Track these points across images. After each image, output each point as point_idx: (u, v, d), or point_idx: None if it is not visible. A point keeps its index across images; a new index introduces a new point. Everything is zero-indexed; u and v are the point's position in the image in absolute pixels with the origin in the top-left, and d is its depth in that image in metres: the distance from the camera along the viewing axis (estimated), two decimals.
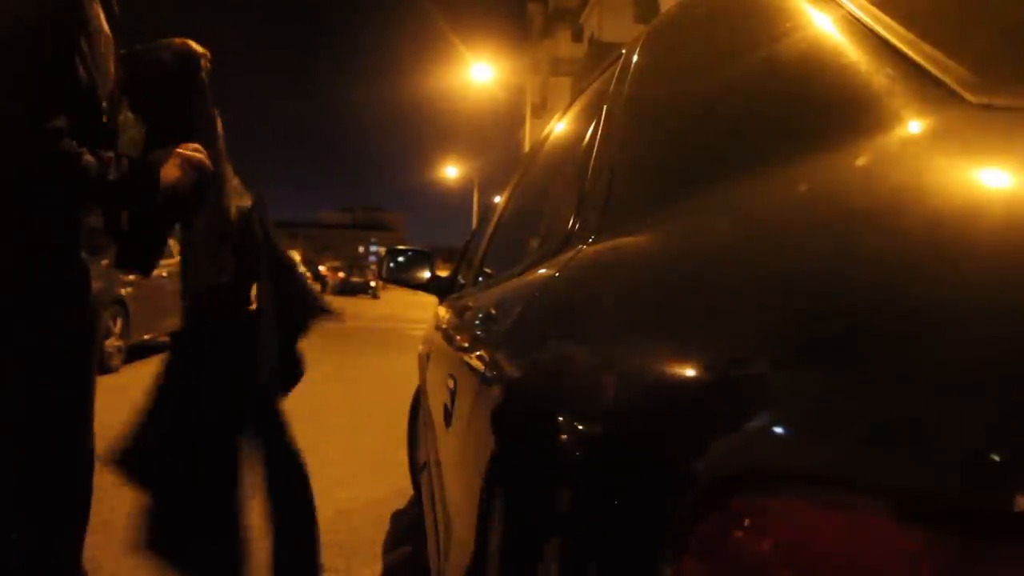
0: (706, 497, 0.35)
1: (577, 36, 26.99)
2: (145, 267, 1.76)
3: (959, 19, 0.53)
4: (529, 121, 24.80)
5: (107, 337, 6.73)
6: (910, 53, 0.48)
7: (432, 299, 2.86)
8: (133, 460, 1.65)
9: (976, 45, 0.49)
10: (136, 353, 7.55)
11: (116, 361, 6.87)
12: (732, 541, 0.33)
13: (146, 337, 7.86)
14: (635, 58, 0.99)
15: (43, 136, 1.25)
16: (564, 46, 27.98)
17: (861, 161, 0.45)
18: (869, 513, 0.28)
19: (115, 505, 3.15)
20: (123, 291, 7.20)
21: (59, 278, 1.39)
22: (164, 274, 8.46)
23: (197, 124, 1.64)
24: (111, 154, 1.37)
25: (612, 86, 1.03)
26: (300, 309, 1.73)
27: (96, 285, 1.47)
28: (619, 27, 20.09)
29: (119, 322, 6.99)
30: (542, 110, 26.74)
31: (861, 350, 0.33)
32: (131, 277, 7.45)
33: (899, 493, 0.28)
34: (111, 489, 3.34)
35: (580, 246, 0.83)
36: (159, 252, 1.74)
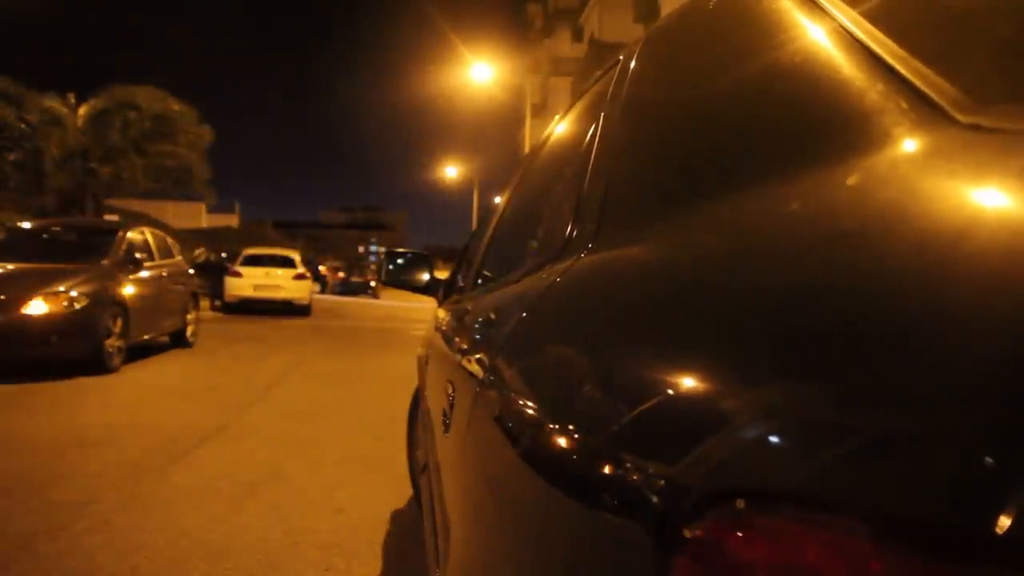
0: (695, 510, 0.36)
1: (577, 36, 27.00)
2: None
3: (950, 37, 0.54)
4: (529, 121, 24.78)
5: (107, 337, 6.73)
6: (902, 71, 0.48)
7: (432, 301, 2.87)
8: None
9: (966, 64, 0.49)
10: (136, 353, 7.55)
11: (116, 361, 6.85)
12: (720, 558, 0.33)
13: (146, 337, 7.85)
14: (632, 64, 0.99)
15: None
16: (564, 46, 27.99)
17: (852, 179, 0.46)
18: (855, 534, 0.29)
19: (115, 505, 3.15)
20: (123, 291, 7.16)
21: None
22: (164, 274, 8.45)
23: None
24: None
25: (609, 92, 1.03)
26: None
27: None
28: (619, 27, 20.10)
29: (119, 322, 6.94)
30: (542, 110, 26.76)
31: (849, 368, 0.34)
32: (131, 277, 7.43)
33: (884, 515, 0.28)
34: (110, 490, 3.35)
35: (578, 255, 0.83)
36: None
